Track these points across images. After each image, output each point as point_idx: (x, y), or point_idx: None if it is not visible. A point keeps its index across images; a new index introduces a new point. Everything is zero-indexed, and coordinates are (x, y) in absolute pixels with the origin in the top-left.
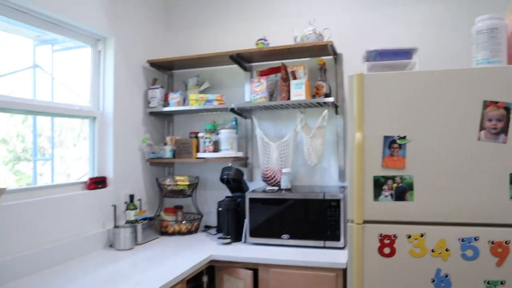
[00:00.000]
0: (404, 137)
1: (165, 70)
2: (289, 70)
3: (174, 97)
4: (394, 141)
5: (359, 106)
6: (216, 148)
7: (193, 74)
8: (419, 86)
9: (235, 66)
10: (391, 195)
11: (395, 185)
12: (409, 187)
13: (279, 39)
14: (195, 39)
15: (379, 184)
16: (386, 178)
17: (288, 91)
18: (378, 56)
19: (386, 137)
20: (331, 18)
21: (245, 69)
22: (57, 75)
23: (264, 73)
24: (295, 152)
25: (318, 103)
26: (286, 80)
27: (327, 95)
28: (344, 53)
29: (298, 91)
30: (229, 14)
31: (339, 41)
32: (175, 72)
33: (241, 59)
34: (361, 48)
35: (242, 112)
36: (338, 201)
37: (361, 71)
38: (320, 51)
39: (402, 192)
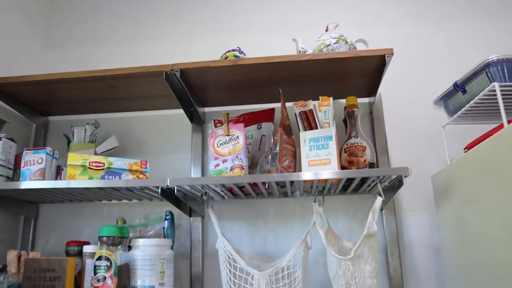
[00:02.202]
0: None
1: (33, 113)
2: (298, 109)
3: (32, 160)
4: None
5: None
6: (123, 284)
7: (86, 121)
8: None
9: (176, 111)
10: None
11: None
12: None
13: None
14: (103, 62)
15: None
16: None
17: (294, 155)
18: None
19: None
20: (355, 32)
21: (191, 116)
22: None
23: (239, 120)
24: None
25: (364, 181)
26: (288, 130)
27: (372, 166)
28: (385, 94)
29: (323, 154)
30: (169, 26)
31: None
32: (52, 120)
33: (190, 90)
34: (409, 87)
35: (187, 199)
36: None
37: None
38: (347, 80)
39: None
